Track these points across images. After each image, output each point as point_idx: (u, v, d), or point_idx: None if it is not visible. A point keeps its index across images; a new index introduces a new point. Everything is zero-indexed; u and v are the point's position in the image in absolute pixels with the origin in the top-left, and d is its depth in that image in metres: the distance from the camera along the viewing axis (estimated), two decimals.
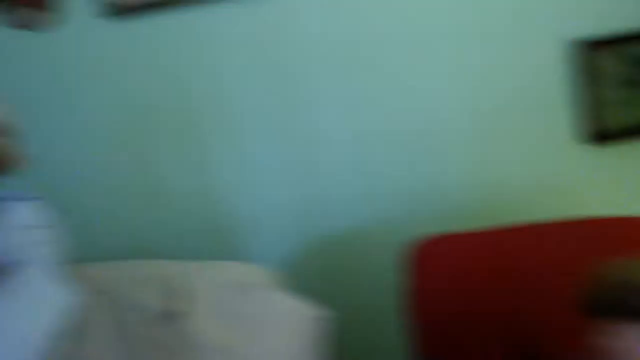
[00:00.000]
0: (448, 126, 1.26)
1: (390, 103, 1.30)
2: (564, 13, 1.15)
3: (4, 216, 1.02)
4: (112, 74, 1.45)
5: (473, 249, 1.06)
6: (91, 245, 1.40)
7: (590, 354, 0.70)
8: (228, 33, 1.38)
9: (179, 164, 1.47)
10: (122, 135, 1.47)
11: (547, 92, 1.19)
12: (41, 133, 1.43)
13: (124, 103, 1.46)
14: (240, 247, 1.49)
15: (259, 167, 1.45)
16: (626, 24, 1.14)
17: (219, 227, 1.49)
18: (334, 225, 1.40)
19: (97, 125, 1.47)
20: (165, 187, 1.49)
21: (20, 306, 0.96)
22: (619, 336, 0.66)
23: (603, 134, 1.17)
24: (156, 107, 1.46)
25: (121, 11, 1.42)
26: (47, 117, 1.46)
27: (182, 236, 1.50)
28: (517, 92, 1.20)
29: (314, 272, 1.41)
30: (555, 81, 1.18)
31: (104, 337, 1.08)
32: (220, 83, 1.43)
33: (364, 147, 1.33)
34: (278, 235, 1.46)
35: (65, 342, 0.98)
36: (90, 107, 1.46)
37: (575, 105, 1.18)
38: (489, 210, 1.23)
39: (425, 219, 1.29)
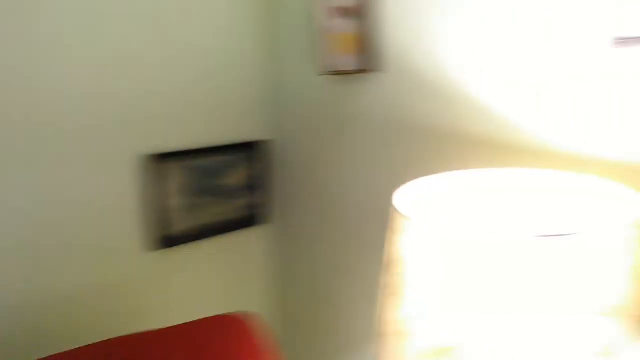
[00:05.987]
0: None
1: None
2: (135, 131, 1.24)
3: None
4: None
5: None
6: None
7: None
8: None
9: None
10: None
11: (118, 204, 1.24)
12: None
13: None
14: None
15: None
16: (190, 141, 1.32)
17: None
18: None
19: None
20: None
21: None
22: None
23: (170, 239, 1.29)
24: None
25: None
26: None
27: None
28: (87, 206, 1.20)
29: None
30: (126, 193, 1.24)
31: None
32: None
33: None
34: None
35: None
36: None
37: (145, 213, 1.27)
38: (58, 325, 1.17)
39: None
